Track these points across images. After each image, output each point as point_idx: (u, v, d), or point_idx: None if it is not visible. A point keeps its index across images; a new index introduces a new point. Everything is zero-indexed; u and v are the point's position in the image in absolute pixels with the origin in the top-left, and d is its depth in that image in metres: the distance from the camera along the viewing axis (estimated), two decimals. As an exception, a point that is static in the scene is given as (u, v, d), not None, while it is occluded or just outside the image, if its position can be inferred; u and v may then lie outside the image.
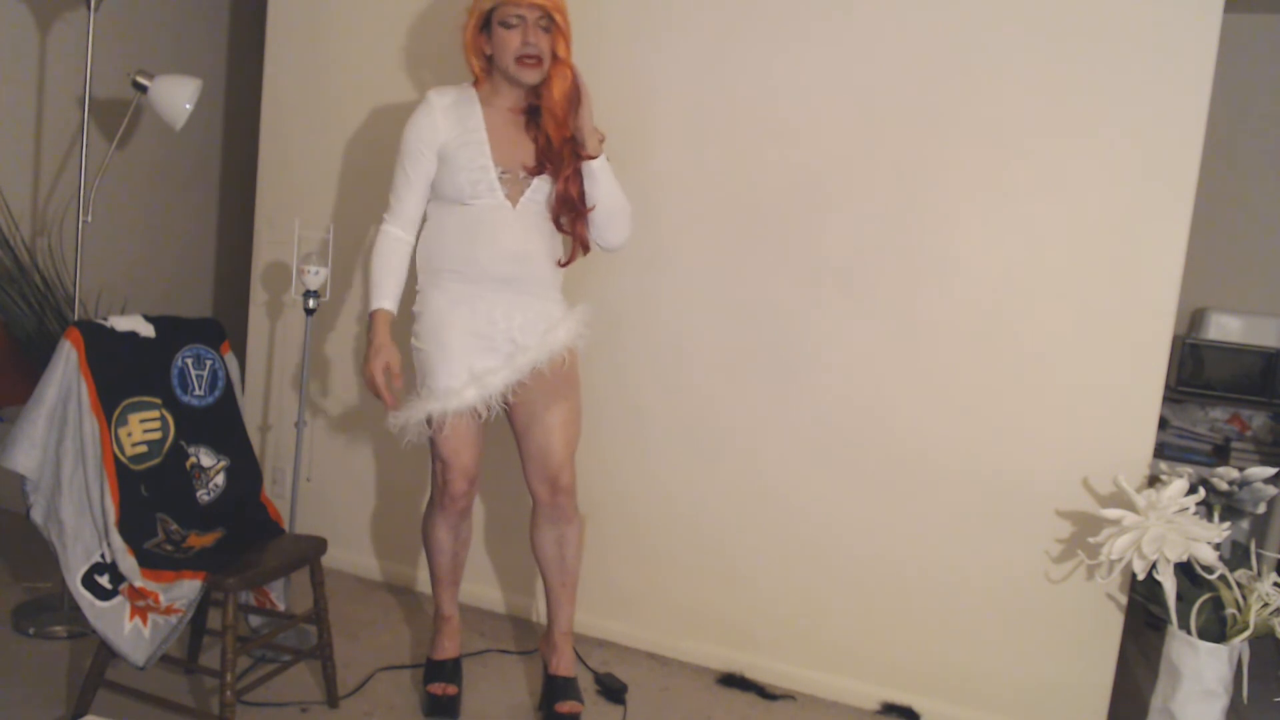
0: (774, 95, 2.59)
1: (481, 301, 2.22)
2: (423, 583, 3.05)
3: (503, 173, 2.21)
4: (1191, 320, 3.56)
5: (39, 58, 3.29)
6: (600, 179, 2.25)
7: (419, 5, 2.95)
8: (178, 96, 2.61)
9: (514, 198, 2.21)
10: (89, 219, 2.66)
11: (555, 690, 2.35)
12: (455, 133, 2.21)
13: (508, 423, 2.35)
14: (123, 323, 2.21)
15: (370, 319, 2.25)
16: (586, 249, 2.32)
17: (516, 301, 2.23)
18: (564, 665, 2.38)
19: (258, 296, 3.24)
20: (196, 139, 4.01)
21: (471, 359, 2.21)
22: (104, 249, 3.51)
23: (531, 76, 2.19)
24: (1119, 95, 2.29)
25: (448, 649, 2.43)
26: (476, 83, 2.28)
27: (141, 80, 2.62)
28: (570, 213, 2.26)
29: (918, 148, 2.47)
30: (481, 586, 3.01)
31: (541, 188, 2.24)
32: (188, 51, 3.92)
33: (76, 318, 2.69)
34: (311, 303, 2.63)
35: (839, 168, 2.54)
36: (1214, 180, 2.97)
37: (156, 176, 3.88)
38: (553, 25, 2.17)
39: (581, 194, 2.25)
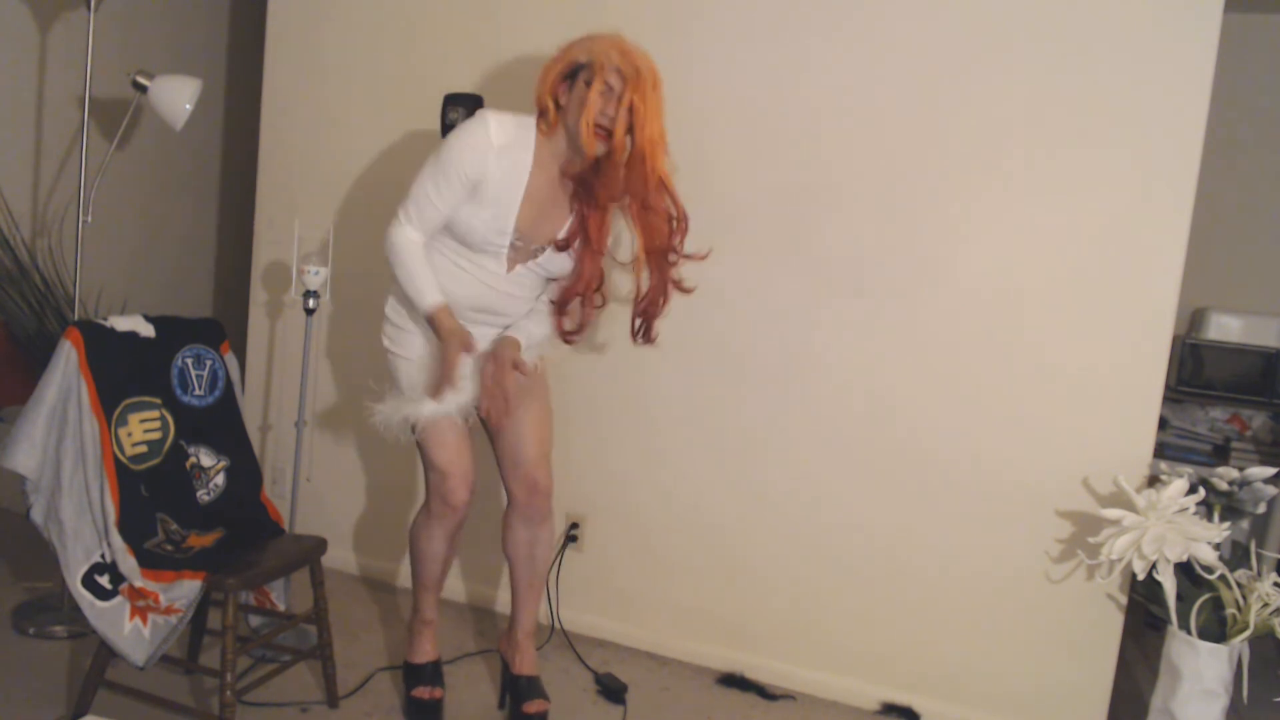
0: (777, 100, 2.59)
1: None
2: (423, 583, 3.05)
3: (517, 239, 2.14)
4: (1191, 320, 3.56)
5: (39, 58, 3.29)
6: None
7: (419, 5, 2.95)
8: (178, 96, 2.61)
9: (512, 263, 2.17)
10: (89, 219, 2.66)
11: (520, 690, 2.32)
12: (496, 179, 2.08)
13: (484, 429, 2.35)
14: (123, 323, 2.21)
15: (433, 319, 2.13)
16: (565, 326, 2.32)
17: (489, 331, 2.24)
18: (527, 664, 2.36)
19: (258, 296, 3.24)
20: (196, 139, 4.01)
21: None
22: (104, 249, 3.51)
23: (601, 148, 2.06)
24: (1119, 95, 2.29)
25: (429, 652, 2.39)
26: (539, 123, 2.12)
27: (141, 80, 2.62)
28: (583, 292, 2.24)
29: (920, 149, 2.47)
30: (481, 586, 3.01)
31: (552, 260, 2.19)
32: (188, 51, 3.92)
33: (76, 318, 2.69)
34: (311, 303, 2.63)
35: (842, 171, 2.54)
36: (1214, 180, 2.97)
37: (156, 177, 3.88)
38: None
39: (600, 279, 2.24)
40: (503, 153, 2.06)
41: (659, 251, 2.15)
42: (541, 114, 2.10)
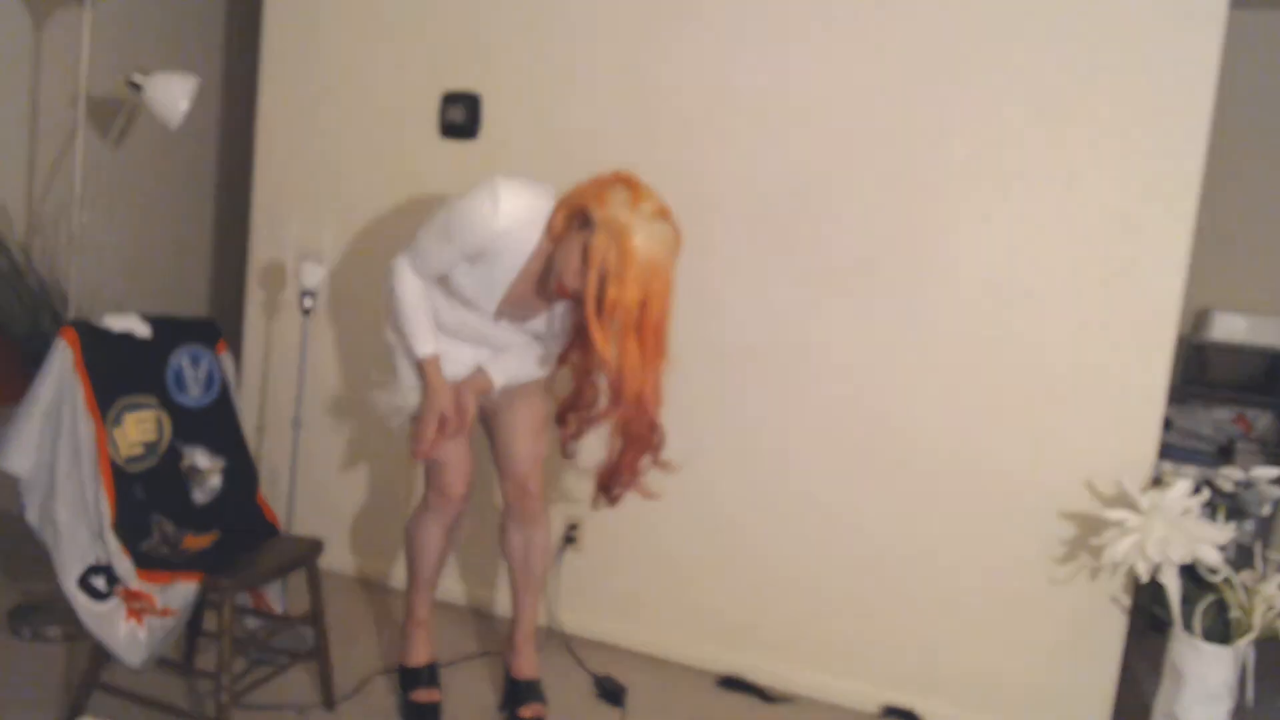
0: (775, 97, 2.57)
1: (452, 346, 2.21)
2: (421, 584, 3.03)
3: (504, 307, 2.11)
4: (1196, 320, 3.54)
5: (34, 56, 3.27)
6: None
7: (417, 5, 2.94)
8: (173, 95, 2.60)
9: (499, 318, 2.16)
10: (84, 218, 2.64)
11: (519, 693, 2.32)
12: (493, 254, 2.02)
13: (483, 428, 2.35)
14: (118, 322, 2.20)
15: (422, 369, 2.17)
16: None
17: (471, 352, 2.23)
18: (526, 667, 2.36)
19: (254, 296, 3.23)
20: (192, 138, 3.99)
21: (446, 367, 2.20)
22: (99, 248, 3.49)
23: (561, 298, 2.01)
24: (1122, 94, 2.28)
25: (425, 654, 2.38)
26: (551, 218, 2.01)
27: (137, 79, 2.61)
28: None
29: (920, 150, 2.45)
30: (479, 589, 3.00)
31: (540, 324, 2.16)
32: (184, 50, 3.90)
33: (72, 317, 2.67)
34: (308, 302, 2.61)
35: (842, 169, 2.53)
36: (1219, 179, 2.95)
37: (152, 176, 3.86)
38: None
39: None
40: (505, 235, 1.99)
41: (635, 446, 2.07)
42: (554, 213, 2.00)
